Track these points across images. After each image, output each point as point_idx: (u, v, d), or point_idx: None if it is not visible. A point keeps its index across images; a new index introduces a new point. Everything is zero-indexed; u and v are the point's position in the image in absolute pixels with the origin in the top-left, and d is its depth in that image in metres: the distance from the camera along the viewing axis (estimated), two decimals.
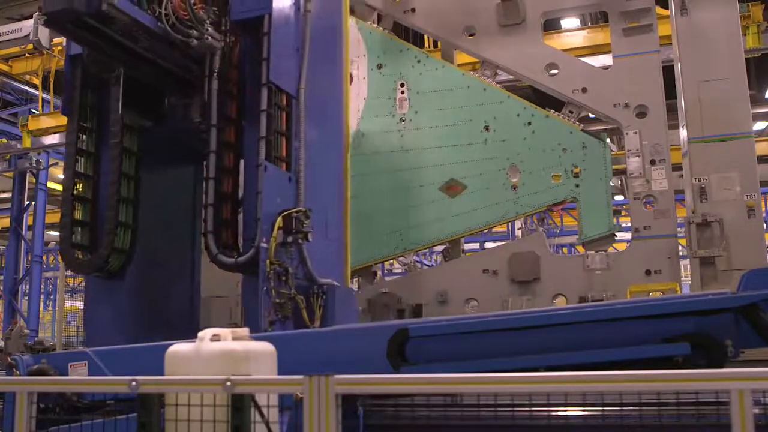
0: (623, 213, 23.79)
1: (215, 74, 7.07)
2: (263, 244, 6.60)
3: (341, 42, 8.60)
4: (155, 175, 7.88)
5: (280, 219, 6.76)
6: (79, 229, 7.39)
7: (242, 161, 7.27)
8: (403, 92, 10.64)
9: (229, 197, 7.12)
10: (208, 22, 6.95)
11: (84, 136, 7.52)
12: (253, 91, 7.13)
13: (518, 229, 23.25)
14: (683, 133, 9.29)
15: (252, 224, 6.80)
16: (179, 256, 8.27)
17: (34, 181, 20.31)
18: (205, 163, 7.13)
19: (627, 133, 9.53)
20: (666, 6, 10.14)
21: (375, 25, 11.09)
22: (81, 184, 7.46)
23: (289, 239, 6.87)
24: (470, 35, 10.55)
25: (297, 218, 6.87)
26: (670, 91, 9.50)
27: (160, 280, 7.93)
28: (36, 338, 16.59)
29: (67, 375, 4.83)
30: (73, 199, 7.35)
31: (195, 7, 6.82)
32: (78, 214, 7.39)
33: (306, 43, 7.52)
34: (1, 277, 21.63)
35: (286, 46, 7.30)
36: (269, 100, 6.96)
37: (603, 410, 4.08)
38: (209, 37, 6.92)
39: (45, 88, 17.97)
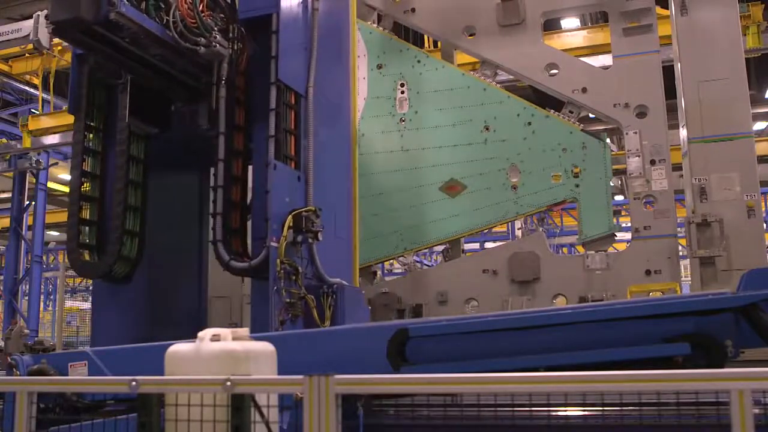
0: (623, 213, 23.80)
1: (223, 81, 7.02)
2: (273, 244, 6.54)
3: (348, 40, 8.58)
4: (161, 181, 7.85)
5: (290, 218, 6.70)
6: (87, 228, 7.32)
7: (250, 168, 7.24)
8: (403, 92, 10.64)
9: (237, 205, 7.06)
10: (215, 29, 6.91)
11: (91, 135, 7.45)
12: (261, 90, 7.08)
13: (518, 229, 23.25)
14: (683, 133, 9.29)
15: (262, 224, 6.73)
16: (186, 259, 8.23)
17: (34, 181, 20.30)
18: (213, 171, 7.07)
19: (627, 133, 9.53)
20: (666, 6, 10.13)
21: (375, 25, 11.09)
22: (88, 184, 7.39)
23: (299, 238, 6.82)
24: (470, 35, 10.55)
25: (307, 217, 6.83)
26: (670, 91, 9.49)
27: (167, 283, 7.88)
28: (36, 338, 16.58)
29: (67, 375, 4.83)
30: (81, 198, 7.27)
31: (203, 14, 6.79)
32: (85, 214, 7.31)
33: (314, 41, 7.48)
34: (1, 277, 21.63)
35: (295, 45, 7.26)
36: (278, 98, 6.91)
37: (603, 410, 4.09)
38: (217, 45, 6.86)
39: (45, 88, 17.97)
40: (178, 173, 8.33)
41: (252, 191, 7.18)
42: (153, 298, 7.70)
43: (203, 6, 6.90)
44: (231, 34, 7.22)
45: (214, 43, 6.84)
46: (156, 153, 7.74)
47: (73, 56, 7.55)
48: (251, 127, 7.28)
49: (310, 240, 6.94)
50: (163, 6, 6.82)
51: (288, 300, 6.54)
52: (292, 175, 7.02)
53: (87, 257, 7.32)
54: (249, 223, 7.23)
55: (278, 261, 6.51)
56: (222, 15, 7.19)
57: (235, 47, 7.25)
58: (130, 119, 7.30)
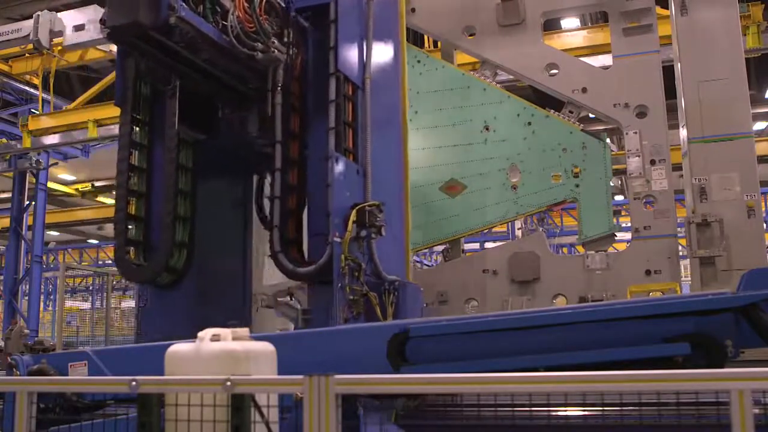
0: (623, 213, 23.80)
1: (279, 88, 6.81)
2: (336, 239, 6.35)
3: (398, 33, 8.49)
4: (208, 188, 7.67)
5: (354, 212, 6.54)
6: (133, 224, 7.07)
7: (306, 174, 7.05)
8: None
9: (294, 214, 6.88)
10: (272, 34, 6.76)
11: (137, 128, 7.15)
12: (316, 84, 6.93)
13: (518, 229, 23.26)
14: (683, 133, 9.28)
15: (321, 219, 6.53)
16: (232, 265, 8.03)
17: (34, 181, 20.32)
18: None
19: (627, 133, 9.52)
20: (666, 6, 10.13)
21: None
22: (136, 178, 7.12)
23: (363, 234, 6.65)
24: (470, 35, 10.54)
25: (371, 212, 6.65)
26: (670, 91, 9.49)
27: (212, 288, 7.71)
28: (36, 338, 16.59)
29: (67, 375, 4.83)
30: (128, 193, 6.98)
31: (261, 18, 6.61)
32: (131, 209, 7.03)
33: (370, 31, 7.36)
34: (1, 277, 21.64)
35: (352, 35, 7.12)
36: (337, 90, 6.73)
37: (603, 410, 4.09)
38: (275, 50, 6.69)
39: (45, 88, 17.98)
40: (223, 180, 8.13)
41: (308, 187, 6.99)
42: (199, 304, 7.47)
43: (261, 10, 6.71)
44: (286, 39, 7.04)
45: (272, 49, 6.65)
46: (202, 160, 7.54)
47: (118, 49, 7.28)
48: (306, 122, 7.05)
49: (373, 235, 6.75)
50: (219, 10, 6.62)
51: (351, 297, 6.38)
52: (351, 168, 6.83)
53: (132, 255, 7.06)
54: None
55: (342, 257, 6.32)
56: (277, 19, 7.02)
57: (290, 52, 7.06)
58: (179, 126, 7.05)
